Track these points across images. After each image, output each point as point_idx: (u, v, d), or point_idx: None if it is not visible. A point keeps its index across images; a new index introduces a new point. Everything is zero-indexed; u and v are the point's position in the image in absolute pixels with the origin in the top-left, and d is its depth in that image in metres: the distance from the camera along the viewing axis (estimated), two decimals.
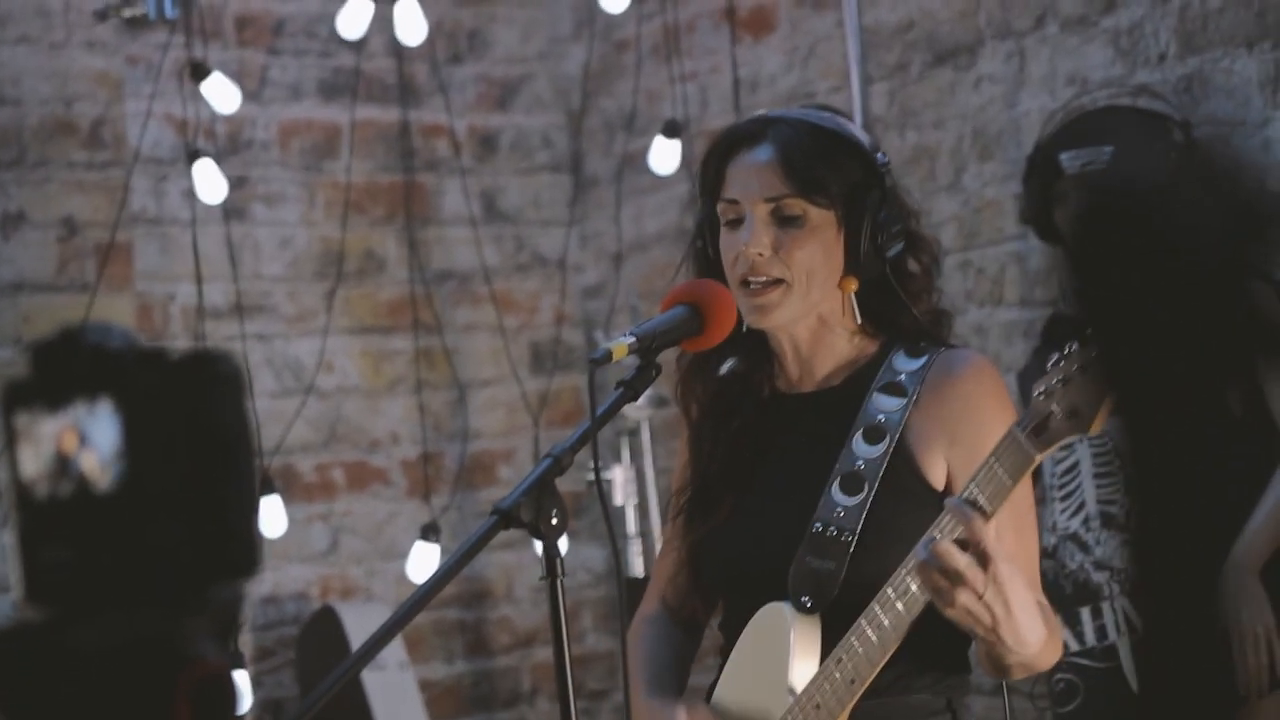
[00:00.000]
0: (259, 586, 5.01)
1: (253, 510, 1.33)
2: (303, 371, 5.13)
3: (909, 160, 4.65)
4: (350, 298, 5.22)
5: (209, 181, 4.68)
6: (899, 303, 2.60)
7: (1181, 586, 1.16)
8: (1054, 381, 2.24)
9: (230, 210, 5.05)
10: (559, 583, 2.33)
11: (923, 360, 2.56)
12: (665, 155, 4.82)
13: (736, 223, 2.57)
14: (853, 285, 2.58)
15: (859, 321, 2.60)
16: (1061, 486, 3.76)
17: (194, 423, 1.30)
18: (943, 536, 2.32)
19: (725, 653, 2.66)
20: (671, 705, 2.59)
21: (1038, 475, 3.82)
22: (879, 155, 2.60)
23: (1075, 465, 3.74)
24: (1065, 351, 2.21)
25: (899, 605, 2.38)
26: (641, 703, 2.63)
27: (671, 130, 4.84)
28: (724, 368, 2.68)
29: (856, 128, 2.64)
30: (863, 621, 2.41)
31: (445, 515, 5.21)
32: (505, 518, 2.29)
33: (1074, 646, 3.71)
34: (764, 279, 2.55)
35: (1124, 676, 3.65)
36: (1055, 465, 3.77)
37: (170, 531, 1.29)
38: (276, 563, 5.02)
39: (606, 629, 5.50)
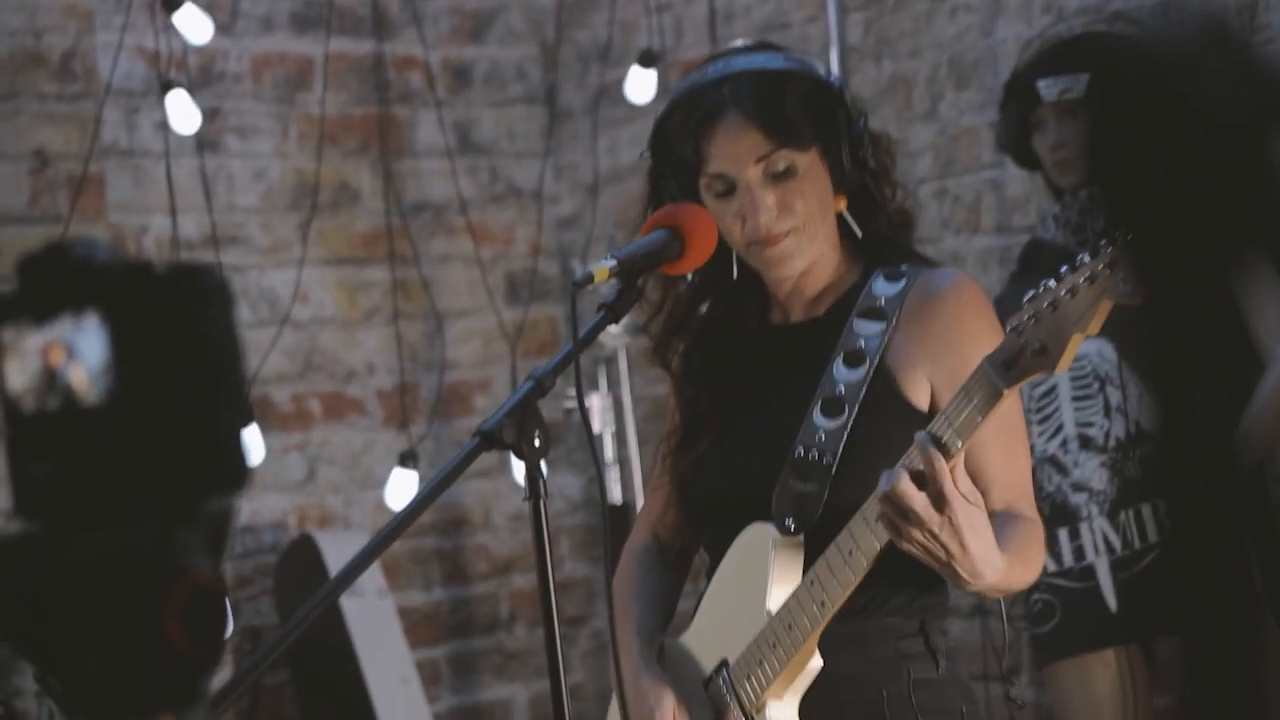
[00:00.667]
0: (237, 516, 5.01)
1: (241, 423, 1.33)
2: (278, 303, 5.12)
3: (885, 89, 4.65)
4: (325, 229, 5.20)
5: (182, 112, 4.66)
6: (875, 207, 2.62)
7: (1210, 484, 1.17)
8: (1025, 318, 2.24)
9: (203, 142, 5.02)
10: (542, 503, 2.32)
11: (902, 283, 2.57)
12: (642, 85, 4.81)
13: (727, 192, 2.59)
14: (843, 203, 2.62)
15: (860, 235, 2.62)
16: (1039, 410, 3.77)
17: (181, 335, 1.29)
18: (908, 467, 2.32)
19: (710, 574, 2.68)
20: (660, 687, 2.60)
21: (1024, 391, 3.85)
22: (832, 77, 2.63)
23: (1053, 389, 3.75)
24: (1039, 289, 2.22)
25: (870, 532, 2.39)
26: (632, 671, 2.64)
27: (648, 60, 4.83)
28: (688, 277, 2.69)
29: (797, 54, 2.64)
30: (835, 545, 2.42)
31: (422, 444, 5.22)
32: (487, 439, 2.30)
33: (1051, 567, 3.73)
34: (777, 232, 2.57)
35: (1101, 597, 3.67)
36: (1033, 389, 3.78)
37: (159, 444, 1.29)
38: (254, 492, 5.03)
39: (584, 556, 5.52)
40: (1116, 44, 3.80)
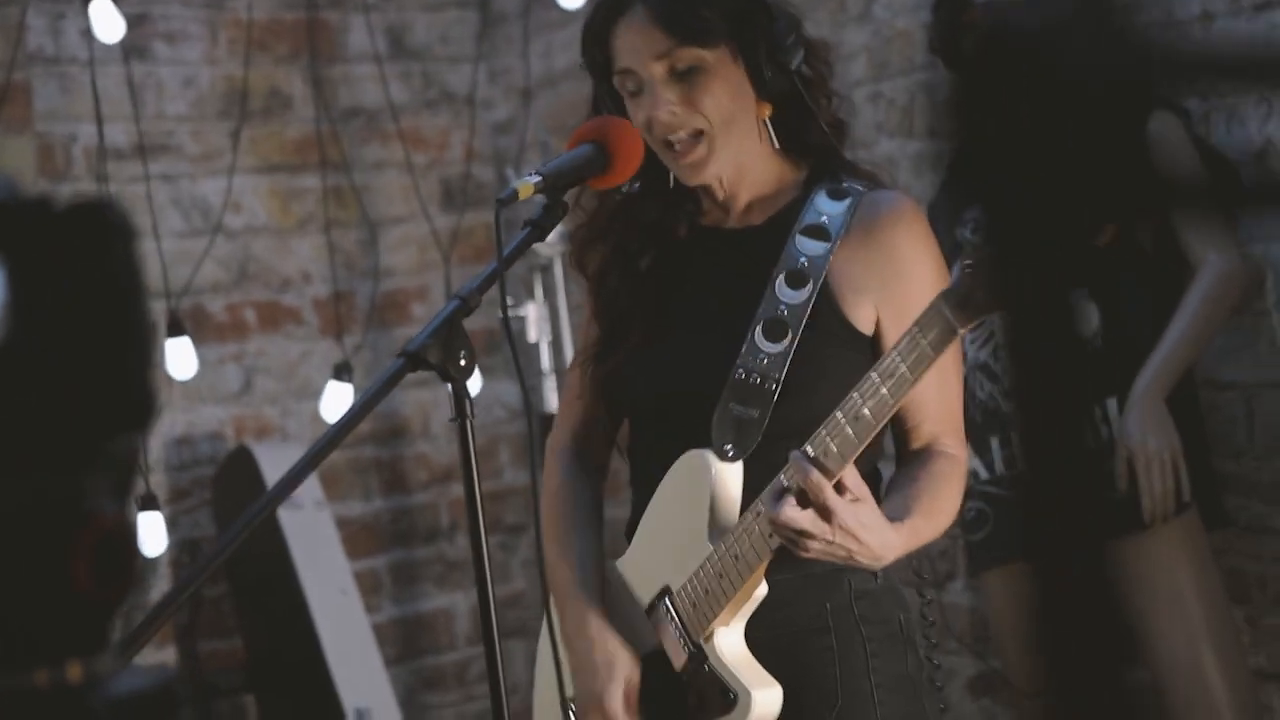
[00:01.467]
0: (173, 428, 4.98)
1: (147, 360, 1.30)
2: (210, 211, 5.06)
3: None
4: (256, 137, 5.15)
5: (106, 20, 4.58)
6: (807, 114, 2.58)
7: (1057, 422, 1.16)
8: (981, 255, 2.21)
9: (130, 49, 4.96)
10: (468, 423, 2.31)
11: (846, 202, 2.54)
12: None
13: (637, 91, 2.55)
14: (767, 110, 2.57)
15: (777, 145, 2.58)
16: None
17: (82, 273, 1.27)
18: (789, 486, 2.33)
19: (635, 480, 2.67)
20: (611, 655, 2.58)
21: None
22: None
23: None
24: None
25: (808, 470, 2.35)
26: (569, 593, 2.63)
27: None
28: (625, 188, 2.66)
29: None
30: (781, 478, 2.40)
31: (358, 354, 5.20)
32: (412, 360, 2.28)
33: (983, 475, 3.74)
34: (683, 134, 2.52)
35: None
36: None
37: (61, 385, 1.26)
38: (189, 404, 5.00)
39: (523, 464, 5.51)
40: None
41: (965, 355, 3.79)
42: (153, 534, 4.47)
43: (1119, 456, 3.58)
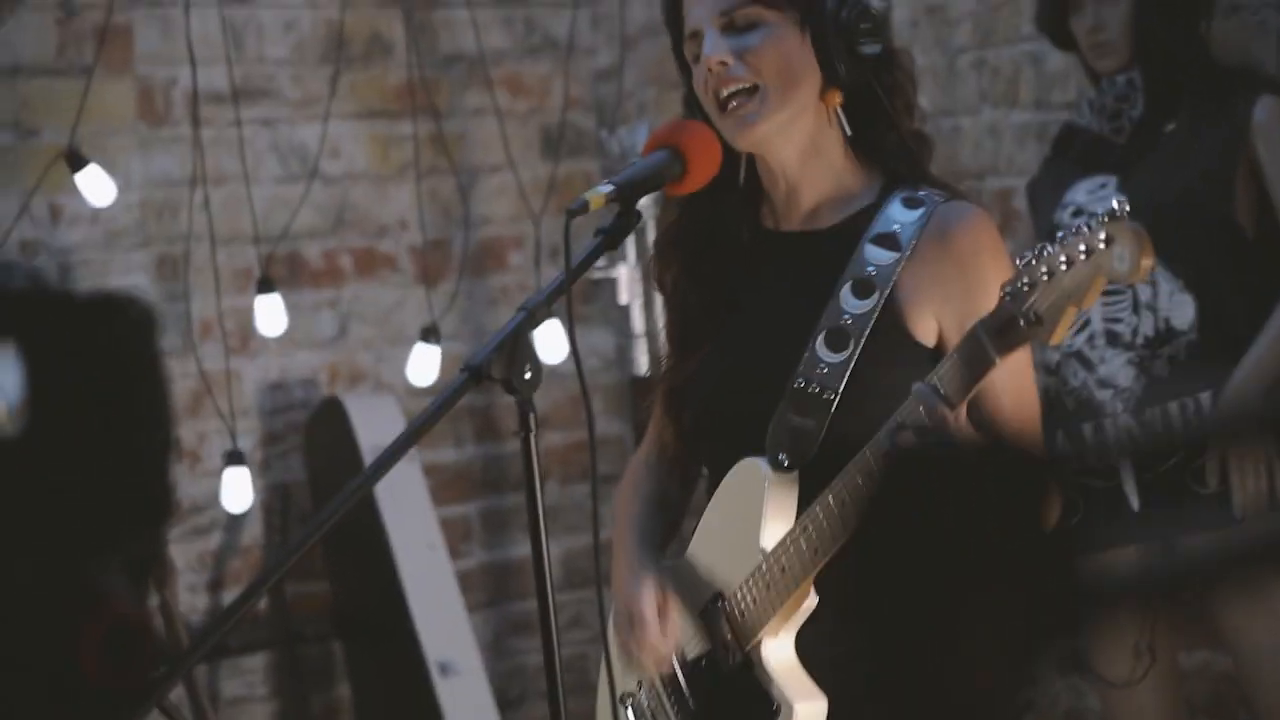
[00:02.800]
0: (267, 373, 5.00)
1: (165, 457, 1.29)
2: (308, 157, 5.05)
3: None
4: (356, 82, 5.12)
5: None
6: (884, 118, 2.53)
7: None
8: (1020, 284, 2.15)
9: None
10: (532, 438, 2.29)
11: (920, 211, 2.48)
12: None
13: (699, 56, 2.51)
14: (836, 97, 2.51)
15: (849, 133, 2.53)
16: None
17: (102, 367, 1.25)
18: (906, 423, 2.27)
19: (707, 490, 2.64)
20: (643, 573, 2.61)
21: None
22: None
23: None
24: (1036, 252, 2.13)
25: (861, 485, 2.34)
26: (625, 560, 2.67)
27: None
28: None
29: None
30: (828, 494, 2.37)
31: (453, 303, 5.18)
32: (475, 374, 2.26)
33: (1075, 463, 3.68)
34: (735, 88, 2.48)
35: (1124, 495, 3.62)
36: None
37: (79, 478, 1.25)
38: (284, 349, 5.01)
39: (618, 413, 5.49)
40: None
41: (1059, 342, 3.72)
42: (239, 489, 4.50)
43: (1210, 452, 3.51)
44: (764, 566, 2.45)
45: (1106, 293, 3.56)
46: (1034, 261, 2.14)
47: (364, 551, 4.77)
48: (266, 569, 2.33)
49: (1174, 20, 3.63)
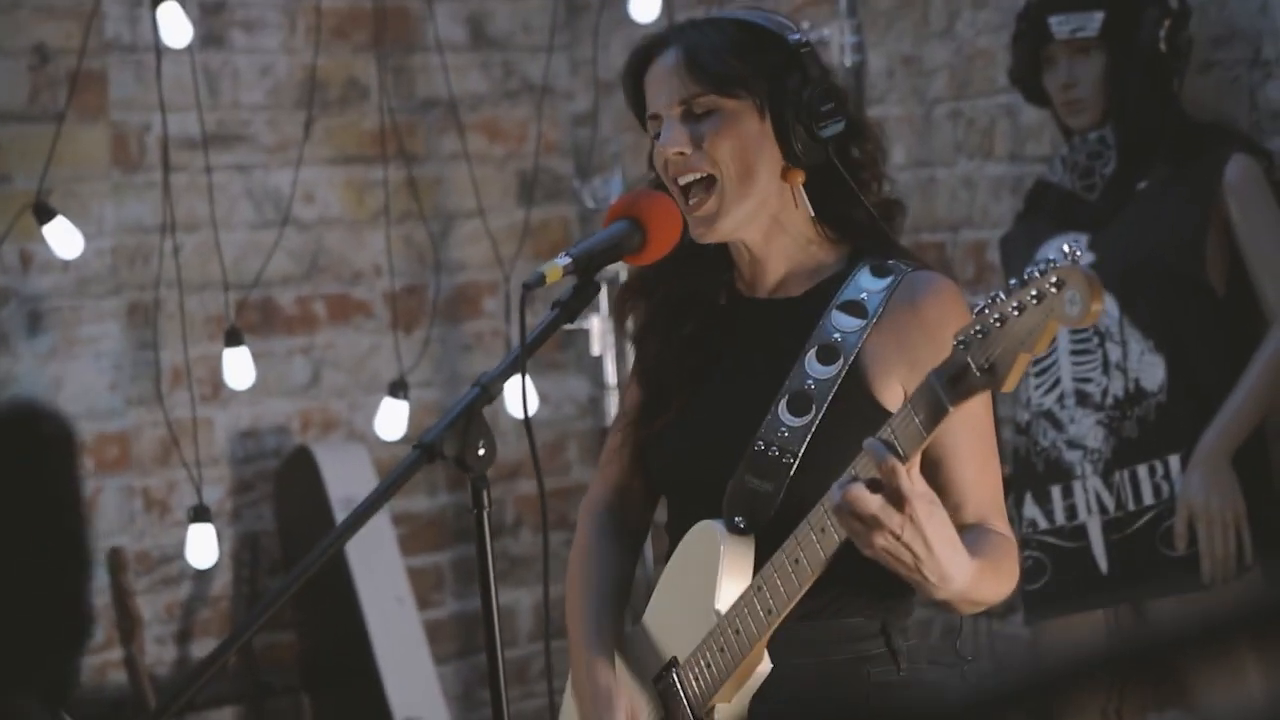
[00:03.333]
0: (239, 421, 4.97)
1: (82, 578, 1.26)
2: (283, 202, 5.03)
3: (902, 3, 4.51)
4: (332, 127, 5.11)
5: (175, 23, 4.52)
6: (849, 194, 2.52)
7: None
8: (973, 331, 2.13)
9: (208, 37, 4.92)
10: (484, 514, 2.27)
11: (888, 280, 2.48)
12: (646, 4, 4.66)
13: (658, 136, 2.52)
14: (799, 177, 2.51)
15: (812, 214, 2.53)
16: (1036, 362, 3.68)
17: (17, 488, 1.23)
18: (859, 476, 2.25)
19: (667, 551, 2.62)
20: (610, 689, 2.56)
21: (998, 395, 3.77)
22: (793, 35, 2.50)
23: (1052, 341, 3.65)
24: (988, 300, 2.10)
25: (816, 542, 2.32)
26: (585, 662, 2.60)
27: None
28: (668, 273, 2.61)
29: (772, 16, 2.54)
30: (782, 552, 2.36)
31: (427, 351, 5.16)
32: (428, 451, 2.24)
33: (1043, 524, 3.66)
34: (691, 177, 2.48)
35: (1092, 558, 3.60)
36: None
37: None
38: (256, 397, 4.98)
39: (591, 461, 5.46)
40: None
41: (1029, 402, 3.70)
42: (204, 545, 4.46)
43: (1179, 515, 3.49)
44: (718, 629, 2.43)
45: (1076, 352, 3.56)
46: (987, 309, 2.11)
47: (332, 604, 4.73)
48: (232, 633, 2.29)
49: (1147, 78, 3.62)
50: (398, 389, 4.79)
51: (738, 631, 2.41)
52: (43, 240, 4.46)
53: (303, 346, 5.09)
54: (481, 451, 2.25)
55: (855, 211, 2.53)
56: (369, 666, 4.58)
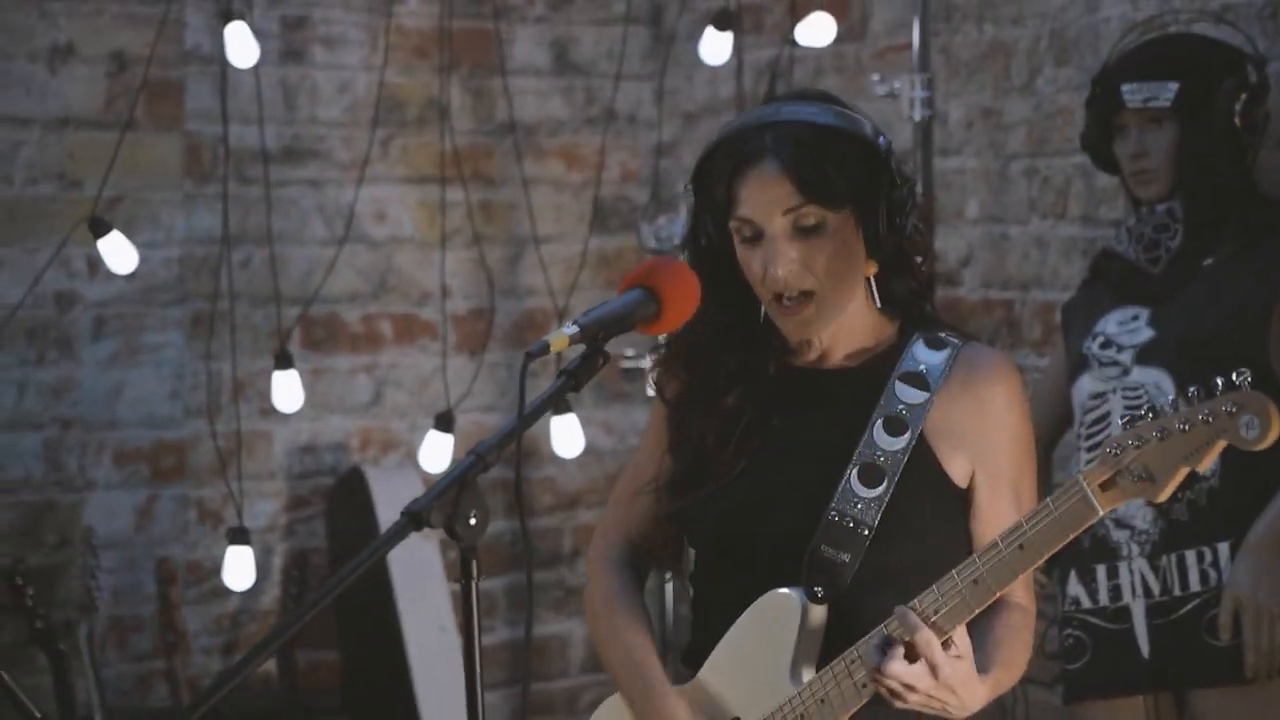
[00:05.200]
0: (298, 436, 4.96)
1: None
2: (354, 220, 5.01)
3: (984, 55, 4.43)
4: (409, 146, 5.08)
5: (242, 43, 4.52)
6: (906, 271, 2.60)
7: None
8: (1129, 442, 2.23)
9: (288, 52, 4.92)
10: (473, 585, 2.23)
11: (945, 353, 2.56)
12: (716, 47, 4.60)
13: (754, 239, 2.55)
14: (873, 269, 2.58)
15: (879, 305, 2.60)
16: (1089, 436, 3.58)
17: None
18: (892, 636, 2.37)
19: (697, 607, 2.68)
20: (679, 706, 2.60)
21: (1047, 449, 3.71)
22: (880, 139, 2.56)
23: (1106, 415, 3.56)
24: (1149, 413, 2.22)
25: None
26: (655, 686, 2.62)
27: (723, 22, 4.60)
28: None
29: (851, 112, 2.57)
30: (883, 628, 2.41)
31: (492, 375, 5.13)
32: (415, 520, 2.19)
33: (1086, 603, 3.57)
34: (796, 294, 2.54)
35: (1134, 641, 3.50)
36: (1085, 414, 3.60)
37: None
38: (317, 413, 4.97)
39: None
40: (1208, 50, 3.56)
41: None
42: (241, 569, 4.45)
43: (1225, 605, 3.39)
44: (798, 698, 2.47)
45: (1128, 423, 3.46)
46: (1144, 423, 2.23)
47: (375, 628, 4.71)
48: (271, 632, 2.28)
49: (1219, 151, 3.52)
50: (444, 422, 4.75)
51: (823, 700, 2.46)
52: (123, 245, 4.46)
53: (366, 365, 5.07)
54: (473, 521, 2.21)
55: (907, 285, 2.61)
56: (408, 695, 4.55)
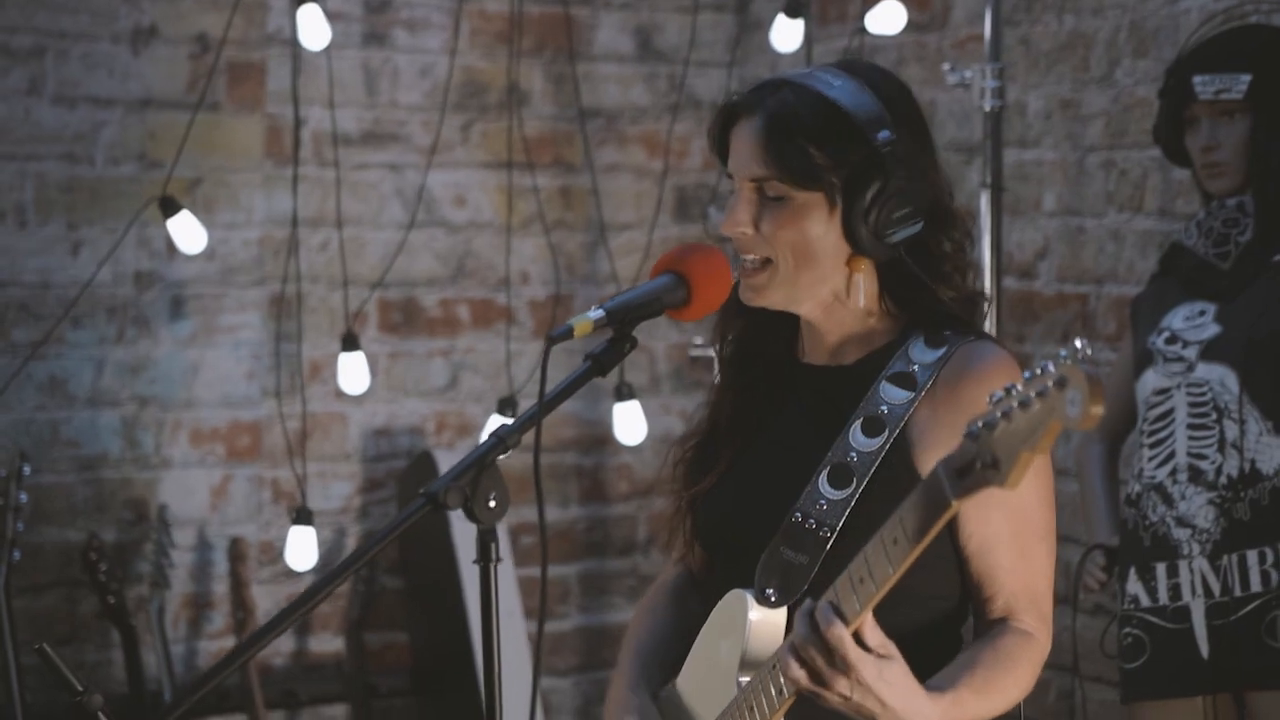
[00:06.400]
0: (373, 418, 4.98)
1: None
2: (434, 205, 5.03)
3: (1064, 45, 4.37)
4: (489, 131, 5.09)
5: (314, 25, 4.54)
6: (921, 284, 2.43)
7: None
8: (980, 424, 2.03)
9: (370, 35, 4.94)
10: (492, 568, 2.22)
11: (940, 351, 2.40)
12: (788, 34, 4.58)
13: (730, 195, 2.45)
14: (862, 265, 2.42)
15: (862, 304, 2.45)
16: (1152, 433, 3.53)
17: None
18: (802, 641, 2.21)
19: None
20: (631, 691, 2.55)
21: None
22: (882, 133, 2.38)
23: (1170, 412, 3.50)
24: (1004, 391, 1.99)
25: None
26: (619, 698, 2.57)
27: (794, 9, 4.57)
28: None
29: (869, 98, 2.40)
30: (791, 640, 2.27)
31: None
32: (433, 501, 2.19)
33: (1145, 602, 3.51)
34: (749, 257, 2.42)
35: (1193, 641, 3.45)
36: (1149, 410, 3.54)
37: None
38: (392, 395, 4.99)
39: None
40: None
41: (1141, 474, 3.55)
42: (304, 549, 4.48)
43: None
44: (735, 704, 2.38)
45: (1194, 425, 3.41)
46: (997, 400, 2.01)
47: (442, 612, 4.73)
48: (232, 651, 2.29)
49: None
50: (507, 406, 4.75)
51: (751, 708, 2.35)
52: (192, 226, 4.49)
53: (443, 349, 5.08)
54: (492, 503, 2.20)
55: (925, 300, 2.44)
56: (471, 679, 4.56)
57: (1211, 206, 3.56)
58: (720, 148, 2.49)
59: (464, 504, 2.20)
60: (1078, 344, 1.93)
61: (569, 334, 2.25)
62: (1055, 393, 1.93)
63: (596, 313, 2.29)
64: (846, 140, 2.36)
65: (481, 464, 2.21)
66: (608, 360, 2.31)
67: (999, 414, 2.00)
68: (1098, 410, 1.89)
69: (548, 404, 2.24)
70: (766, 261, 2.41)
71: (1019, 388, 1.99)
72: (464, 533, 4.66)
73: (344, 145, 4.89)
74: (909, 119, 2.43)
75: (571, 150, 5.17)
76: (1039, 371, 1.96)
